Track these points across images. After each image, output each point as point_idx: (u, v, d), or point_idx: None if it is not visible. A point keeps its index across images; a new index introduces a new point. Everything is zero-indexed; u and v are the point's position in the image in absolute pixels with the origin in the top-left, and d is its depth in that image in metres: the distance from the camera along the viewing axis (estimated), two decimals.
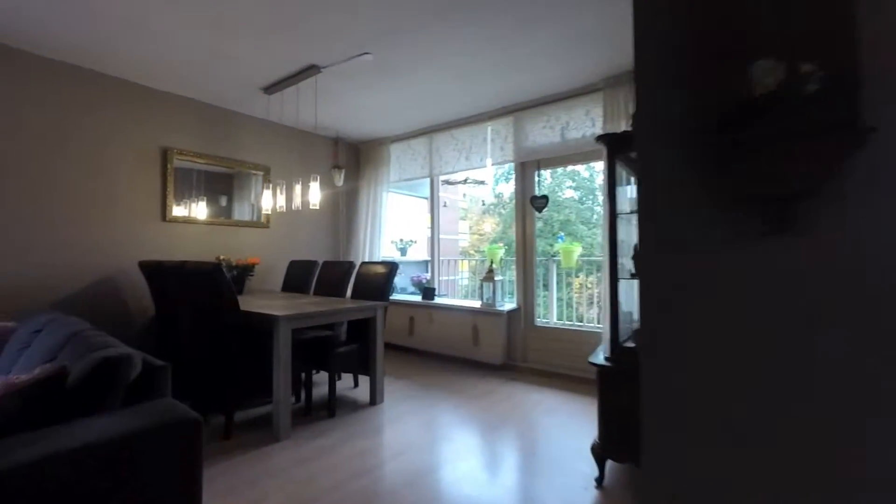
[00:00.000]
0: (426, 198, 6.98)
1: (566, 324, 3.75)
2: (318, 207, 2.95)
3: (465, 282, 6.18)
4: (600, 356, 2.13)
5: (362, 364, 2.92)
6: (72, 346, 1.68)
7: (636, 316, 2.54)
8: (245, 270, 3.52)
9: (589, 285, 4.87)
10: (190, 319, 2.61)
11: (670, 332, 0.90)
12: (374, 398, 2.90)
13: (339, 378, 3.40)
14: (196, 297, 2.46)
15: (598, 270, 4.24)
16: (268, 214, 4.04)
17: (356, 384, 3.31)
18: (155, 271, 2.87)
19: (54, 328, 1.98)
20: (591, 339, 3.42)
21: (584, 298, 4.72)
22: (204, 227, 3.69)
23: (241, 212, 4.03)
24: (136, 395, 1.50)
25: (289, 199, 3.20)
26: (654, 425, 0.92)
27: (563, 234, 6.83)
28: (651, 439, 0.92)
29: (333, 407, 2.71)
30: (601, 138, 2.10)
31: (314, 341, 2.88)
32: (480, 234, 14.31)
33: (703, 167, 0.85)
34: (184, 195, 3.62)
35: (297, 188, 3.11)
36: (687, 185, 0.90)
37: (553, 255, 4.05)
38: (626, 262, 2.28)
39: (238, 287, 3.51)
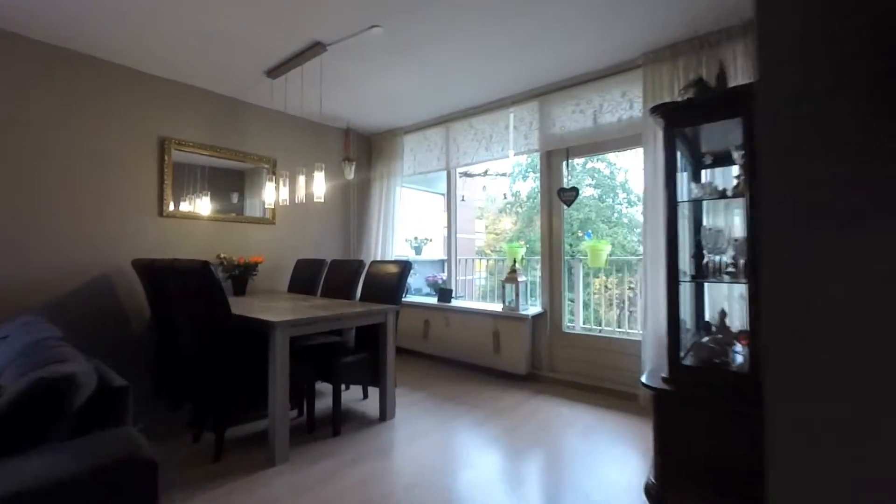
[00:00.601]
0: (442, 193, 6.67)
1: (598, 330, 3.37)
2: (322, 200, 2.66)
3: (483, 282, 5.85)
4: (653, 375, 1.77)
5: (372, 375, 2.61)
6: (23, 360, 1.41)
7: (689, 325, 2.17)
8: (247, 270, 3.26)
9: (609, 286, 4.48)
10: (182, 322, 2.35)
11: (824, 345, 0.56)
12: (385, 413, 2.59)
13: (347, 388, 3.11)
14: (185, 299, 2.20)
15: (624, 271, 3.85)
16: (272, 209, 3.78)
17: (365, 395, 3.01)
18: (147, 270, 2.62)
19: (21, 335, 1.72)
20: (627, 348, 3.04)
21: (606, 300, 4.32)
22: (207, 224, 3.45)
23: (254, 208, 3.78)
24: (89, 421, 1.23)
25: (292, 192, 2.91)
26: (793, 480, 0.58)
27: (590, 231, 6.42)
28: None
29: (339, 423, 2.41)
30: (657, 109, 1.73)
31: (318, 349, 2.59)
32: (497, 234, 13.95)
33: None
34: (186, 190, 3.39)
35: (301, 179, 2.82)
36: (848, 138, 0.55)
37: (574, 255, 3.66)
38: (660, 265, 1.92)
39: (240, 287, 3.25)
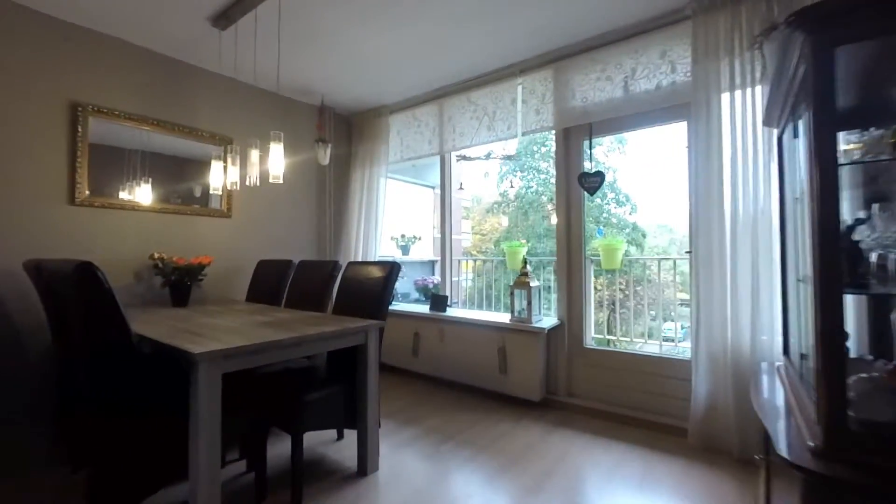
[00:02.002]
0: (432, 186, 6.02)
1: (625, 345, 2.78)
2: (280, 181, 1.99)
3: (469, 283, 5.27)
4: (793, 443, 1.14)
5: (347, 414, 1.95)
6: None
7: (808, 343, 1.58)
8: (189, 274, 2.55)
9: (620, 287, 3.92)
10: (74, 350, 1.65)
11: None
12: (365, 465, 1.93)
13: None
14: (69, 314, 1.50)
15: (630, 271, 3.28)
16: (226, 198, 3.07)
17: (340, 435, 2.34)
18: (34, 275, 1.91)
19: None
20: (669, 368, 2.46)
21: (609, 305, 3.75)
22: (143, 217, 2.74)
23: (209, 199, 3.07)
24: None
25: (244, 171, 2.23)
26: None
27: (601, 227, 5.87)
28: None
29: (300, 486, 1.74)
30: (801, 16, 1.09)
31: (274, 379, 1.91)
32: (483, 234, 13.43)
33: None
34: (126, 175, 2.68)
35: (255, 154, 2.14)
36: None
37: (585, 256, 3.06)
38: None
39: (180, 296, 2.54)
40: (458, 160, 4.01)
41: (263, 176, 2.10)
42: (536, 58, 2.88)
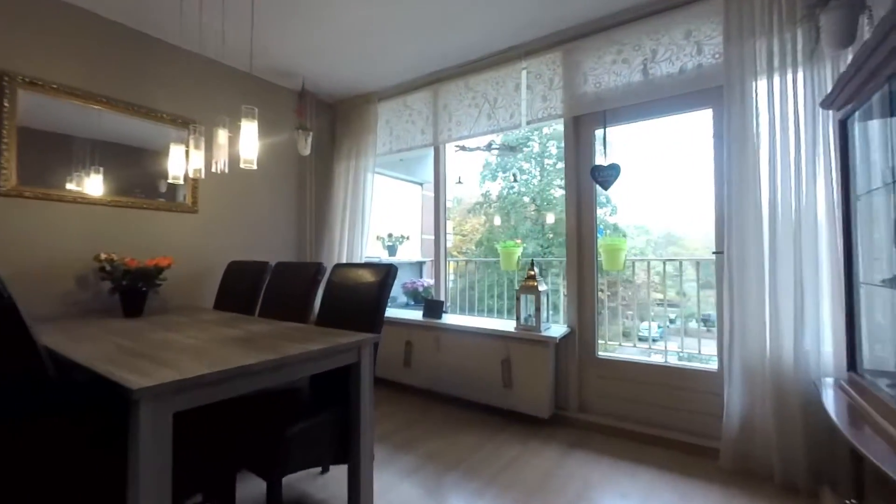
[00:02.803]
0: (420, 183, 5.70)
1: (641, 353, 2.55)
2: (254, 166, 1.65)
3: (451, 284, 5.00)
4: None
5: (337, 447, 1.62)
6: None
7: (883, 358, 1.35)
8: (145, 278, 2.16)
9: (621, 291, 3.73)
10: None
11: None
12: None
13: None
14: None
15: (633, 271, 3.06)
16: (191, 189, 2.69)
17: (325, 468, 2.00)
18: None
19: None
20: (694, 381, 2.23)
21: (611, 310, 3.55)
22: (92, 211, 2.34)
23: (173, 192, 2.69)
24: None
25: (209, 155, 1.87)
26: None
27: (601, 226, 5.65)
28: None
29: None
30: None
31: (245, 409, 1.56)
32: (463, 235, 13.23)
33: None
34: (75, 164, 2.29)
35: (223, 135, 1.78)
36: None
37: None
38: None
39: (133, 305, 2.15)
40: (456, 150, 3.70)
41: (234, 161, 1.75)
42: (543, 38, 2.62)
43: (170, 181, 2.04)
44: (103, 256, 2.15)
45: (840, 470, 1.56)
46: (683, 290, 3.81)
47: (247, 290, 2.46)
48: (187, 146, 1.93)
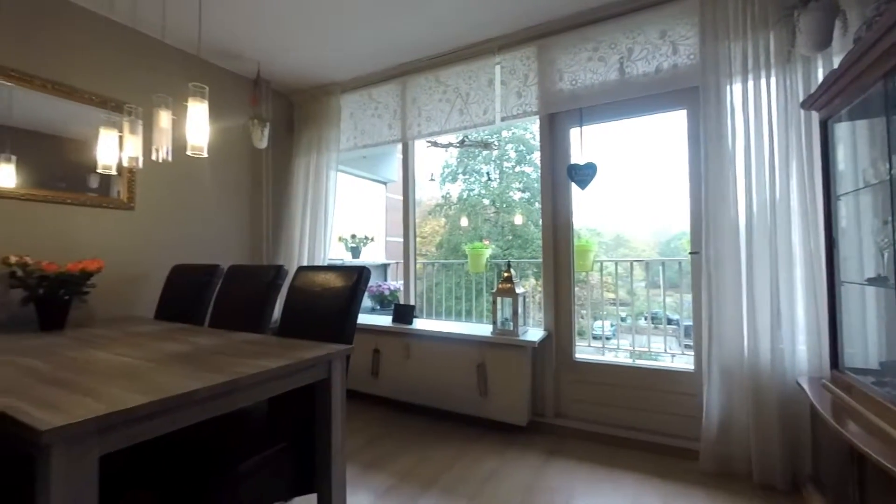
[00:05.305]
0: (384, 182, 5.49)
1: (616, 356, 2.52)
2: (204, 154, 1.42)
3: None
4: None
5: (300, 478, 1.43)
6: None
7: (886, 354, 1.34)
8: (67, 284, 1.84)
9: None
10: None
11: None
12: None
13: None
14: None
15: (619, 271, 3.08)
16: (110, 174, 2.37)
17: (286, 500, 1.78)
18: None
19: None
20: (669, 381, 2.21)
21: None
22: (8, 206, 1.98)
23: (107, 186, 2.35)
24: None
25: (149, 142, 1.60)
26: None
27: None
28: None
29: None
30: None
31: (187, 441, 1.33)
32: (423, 237, 13.13)
33: None
34: None
35: (165, 117, 1.53)
36: None
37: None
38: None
39: (52, 316, 1.83)
40: (428, 146, 3.55)
41: (179, 150, 1.51)
42: (518, 33, 2.53)
43: (99, 171, 1.75)
44: (13, 260, 1.81)
45: (824, 468, 1.56)
46: (634, 289, 3.88)
47: (194, 296, 2.18)
48: (121, 130, 1.65)
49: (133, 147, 1.62)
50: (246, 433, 1.43)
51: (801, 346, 1.81)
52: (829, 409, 1.36)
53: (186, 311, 2.15)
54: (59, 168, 2.22)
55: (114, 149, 1.72)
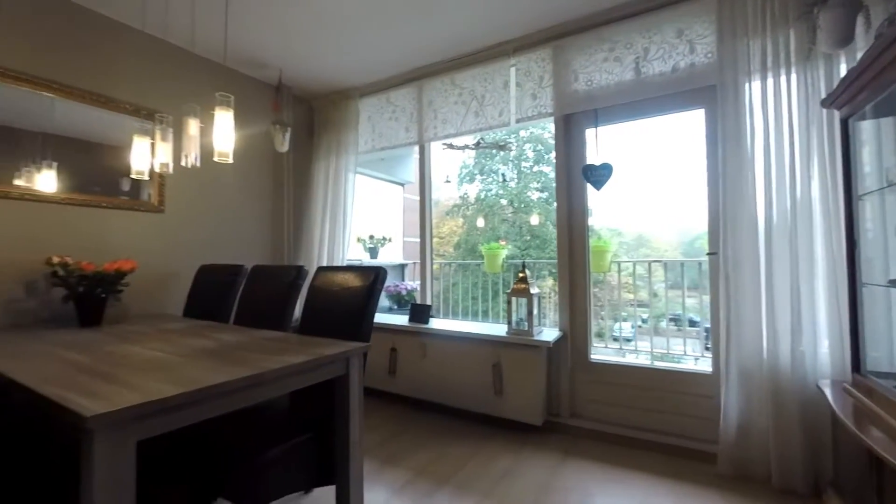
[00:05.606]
0: (402, 183, 5.57)
1: (634, 357, 2.51)
2: (230, 159, 1.50)
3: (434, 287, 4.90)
4: None
5: (320, 469, 1.48)
6: None
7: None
8: (104, 283, 1.96)
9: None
10: None
11: None
12: None
13: None
14: None
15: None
16: (143, 179, 2.49)
17: (307, 490, 1.85)
18: None
19: None
20: (686, 383, 2.19)
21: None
22: (45, 210, 2.12)
23: (138, 190, 2.49)
24: None
25: (178, 148, 1.69)
26: None
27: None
28: None
29: None
30: None
31: (214, 432, 1.41)
32: (441, 237, 13.17)
33: None
34: (13, 155, 2.06)
35: (194, 125, 1.62)
36: None
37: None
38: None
39: (90, 313, 1.94)
40: (444, 148, 3.60)
41: (206, 156, 1.59)
42: (532, 35, 2.55)
43: (133, 177, 1.85)
44: (56, 260, 1.93)
45: (845, 473, 1.53)
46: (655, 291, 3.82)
47: (219, 295, 2.28)
48: (153, 138, 1.75)
49: (164, 154, 1.71)
50: (269, 426, 1.50)
51: (824, 349, 1.78)
52: (849, 414, 1.33)
53: (213, 309, 2.25)
54: (94, 173, 2.36)
55: (146, 155, 1.82)
